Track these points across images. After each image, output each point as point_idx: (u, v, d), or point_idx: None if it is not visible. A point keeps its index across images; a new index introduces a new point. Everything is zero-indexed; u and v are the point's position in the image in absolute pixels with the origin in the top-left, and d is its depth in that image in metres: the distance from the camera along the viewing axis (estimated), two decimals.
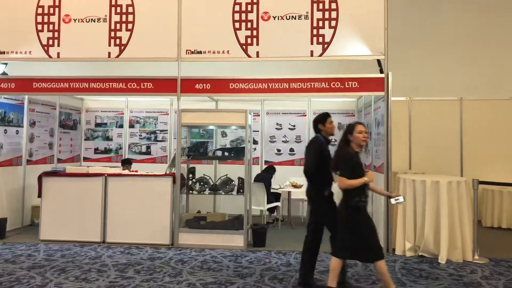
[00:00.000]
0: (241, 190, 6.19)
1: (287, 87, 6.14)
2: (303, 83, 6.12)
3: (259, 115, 9.03)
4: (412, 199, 5.69)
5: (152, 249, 5.93)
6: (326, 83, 6.09)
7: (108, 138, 9.26)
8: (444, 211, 5.39)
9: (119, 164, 8.11)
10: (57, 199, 6.26)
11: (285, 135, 8.95)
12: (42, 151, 7.78)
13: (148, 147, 9.16)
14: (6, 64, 6.74)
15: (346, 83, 6.06)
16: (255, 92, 6.20)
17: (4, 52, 6.43)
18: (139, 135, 9.20)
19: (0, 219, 6.52)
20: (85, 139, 9.27)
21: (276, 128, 8.99)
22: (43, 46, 6.38)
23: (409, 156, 8.37)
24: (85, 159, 9.23)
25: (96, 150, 9.26)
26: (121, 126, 9.23)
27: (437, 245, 5.47)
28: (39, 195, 6.32)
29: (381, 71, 6.14)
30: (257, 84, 6.18)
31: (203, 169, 7.28)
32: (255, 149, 8.99)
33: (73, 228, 6.22)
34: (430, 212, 5.50)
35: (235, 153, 6.44)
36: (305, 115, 8.91)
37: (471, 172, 7.92)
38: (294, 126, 8.94)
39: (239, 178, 6.29)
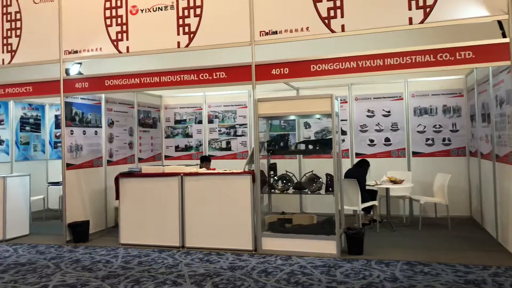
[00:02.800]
0: (330, 189, 5.32)
1: (381, 63, 5.12)
2: (401, 58, 5.05)
3: (346, 102, 8.04)
4: None
5: (233, 255, 5.33)
6: (431, 55, 4.96)
7: (188, 135, 8.93)
8: None
9: (197, 161, 7.70)
10: (134, 201, 5.94)
11: (378, 123, 7.85)
12: (122, 151, 7.62)
13: (228, 143, 8.65)
14: (80, 63, 6.60)
15: (457, 53, 4.87)
16: (342, 73, 5.27)
17: (77, 51, 6.25)
18: (219, 131, 8.73)
19: (83, 222, 6.40)
20: (165, 137, 9.05)
21: (368, 116, 7.93)
22: (112, 41, 6.08)
23: None
24: (167, 157, 9.01)
25: (177, 148, 8.99)
26: (200, 122, 8.84)
27: None
28: (117, 197, 6.06)
29: (504, 35, 4.85)
30: (343, 63, 5.25)
31: (285, 165, 6.53)
32: (343, 140, 8.03)
33: (152, 232, 5.86)
34: None
35: (321, 145, 5.58)
36: (402, 99, 7.73)
37: None
38: (389, 112, 7.80)
39: (327, 175, 5.43)
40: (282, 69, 5.48)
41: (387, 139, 7.79)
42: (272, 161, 5.96)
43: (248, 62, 5.58)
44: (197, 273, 4.69)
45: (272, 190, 5.72)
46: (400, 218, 7.00)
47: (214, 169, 6.80)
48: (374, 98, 7.92)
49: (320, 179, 5.49)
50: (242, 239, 5.49)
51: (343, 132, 8.04)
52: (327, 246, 5.19)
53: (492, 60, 4.80)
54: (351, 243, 5.20)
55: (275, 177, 5.73)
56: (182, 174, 5.76)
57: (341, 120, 8.04)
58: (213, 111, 8.79)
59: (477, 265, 4.58)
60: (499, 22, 4.89)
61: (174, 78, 5.88)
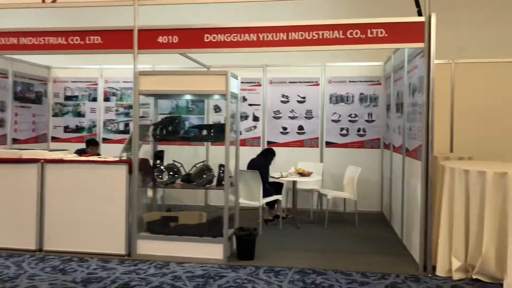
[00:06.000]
0: (223, 182, 4.53)
1: (284, 38, 4.35)
2: (306, 33, 4.31)
3: (260, 85, 7.29)
4: (463, 198, 3.91)
5: (100, 261, 4.37)
6: (340, 32, 4.27)
7: (80, 114, 7.71)
8: None
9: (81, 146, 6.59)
10: None
11: (292, 110, 7.19)
12: None
13: (127, 125, 7.57)
14: None
15: (368, 31, 4.22)
16: (240, 46, 4.44)
17: None
18: (116, 110, 7.61)
19: None
20: (53, 115, 7.75)
21: (282, 101, 7.24)
22: None
23: (450, 135, 6.46)
24: (54, 139, 7.74)
25: (67, 129, 7.74)
26: (94, 100, 7.65)
27: (502, 266, 3.70)
28: None
29: (420, 13, 4.29)
30: (242, 35, 4.42)
31: (181, 154, 5.65)
32: (255, 127, 7.30)
33: (4, 232, 4.71)
34: (491, 218, 3.72)
35: (216, 131, 4.75)
36: (318, 84, 7.11)
37: None
38: (304, 98, 7.16)
39: (221, 166, 4.62)
40: (170, 37, 4.55)
41: (300, 127, 7.15)
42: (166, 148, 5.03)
43: (129, 26, 4.57)
44: None
45: (158, 183, 4.81)
46: (308, 213, 6.41)
47: (99, 155, 5.75)
48: (289, 82, 7.23)
49: (212, 171, 4.67)
50: (113, 241, 4.54)
51: (256, 118, 7.30)
52: (214, 250, 4.40)
53: (406, 41, 4.21)
54: (241, 246, 4.46)
55: (161, 168, 4.82)
56: (42, 161, 4.66)
57: (253, 105, 7.34)
58: (111, 87, 7.63)
59: (375, 273, 4.03)
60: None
61: (36, 41, 4.71)
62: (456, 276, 3.89)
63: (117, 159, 4.71)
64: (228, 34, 4.43)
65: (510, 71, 6.20)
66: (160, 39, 4.55)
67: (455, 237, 3.94)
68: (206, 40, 4.48)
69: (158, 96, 5.09)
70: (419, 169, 4.19)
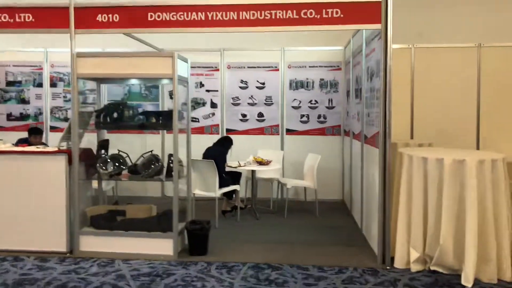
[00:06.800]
0: (173, 173, 4.22)
1: (235, 17, 4.04)
2: (258, 12, 4.02)
3: (218, 70, 6.96)
4: (421, 187, 3.77)
5: (37, 260, 4.00)
6: (294, 11, 4.00)
7: (24, 101, 7.16)
8: (471, 205, 3.49)
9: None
10: None
11: (252, 96, 6.91)
12: None
13: None
14: None
15: (323, 11, 3.98)
16: (187, 25, 4.10)
17: None
18: (64, 97, 7.10)
19: None
20: None
21: (241, 87, 6.94)
22: None
23: (410, 121, 6.38)
24: None
25: (9, 116, 7.18)
26: (40, 85, 7.11)
27: (459, 256, 3.60)
28: None
29: None
30: (189, 13, 4.07)
31: (134, 143, 5.31)
32: (213, 114, 6.99)
33: None
34: (449, 207, 3.60)
35: (164, 118, 4.42)
36: (278, 69, 6.85)
37: (492, 144, 5.99)
38: (263, 84, 6.89)
39: (170, 156, 4.31)
40: (111, 15, 4.15)
41: (260, 114, 6.90)
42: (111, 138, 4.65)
43: (65, 3, 4.14)
44: None
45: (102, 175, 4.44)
46: (267, 203, 6.20)
47: (32, 145, 5.29)
48: (248, 67, 6.93)
49: (160, 161, 4.35)
50: (53, 238, 4.17)
51: (213, 105, 6.99)
52: (163, 246, 4.11)
53: (362, 21, 4.00)
54: (193, 241, 4.19)
55: (107, 158, 4.45)
56: None
57: (211, 91, 7.01)
58: (57, 72, 7.10)
59: (333, 266, 3.86)
60: None
61: None
62: (414, 268, 3.77)
63: (55, 149, 4.31)
64: (174, 13, 4.08)
65: (470, 57, 6.15)
66: (100, 18, 4.15)
67: (413, 227, 3.81)
68: (150, 19, 4.11)
69: (101, 80, 4.68)
70: (377, 157, 4.03)
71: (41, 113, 7.12)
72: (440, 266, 3.70)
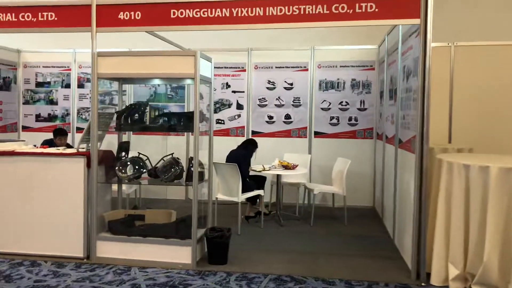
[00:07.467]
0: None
1: (261, 13, 3.82)
2: (286, 8, 3.78)
3: (245, 70, 6.76)
4: (462, 197, 3.41)
5: (54, 265, 3.89)
6: (325, 6, 3.73)
7: (52, 102, 7.18)
8: None
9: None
10: None
11: (279, 97, 6.67)
12: None
13: None
14: None
15: (357, 5, 3.69)
16: (212, 23, 3.90)
17: None
18: (90, 98, 7.06)
19: None
20: (23, 103, 7.23)
21: (268, 88, 6.71)
22: None
23: (448, 124, 5.94)
24: (24, 128, 7.23)
25: (38, 117, 7.22)
26: (68, 86, 7.12)
27: (506, 276, 3.23)
28: None
29: None
30: (213, 10, 3.88)
31: (158, 145, 5.17)
32: (239, 115, 6.79)
33: None
34: (495, 219, 3.23)
35: (185, 121, 4.23)
36: (307, 69, 6.57)
37: None
38: (291, 84, 6.63)
39: (191, 159, 4.12)
40: (133, 13, 4.00)
41: (287, 116, 6.64)
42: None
43: (87, 1, 4.03)
44: None
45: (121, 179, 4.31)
46: (293, 209, 5.92)
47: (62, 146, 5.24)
48: (276, 67, 6.70)
49: (180, 165, 4.17)
50: (70, 243, 4.06)
51: (239, 106, 6.79)
52: (181, 254, 3.92)
53: (399, 16, 3.68)
54: (212, 249, 3.98)
55: (126, 161, 4.31)
56: None
57: (237, 92, 6.81)
58: (85, 72, 7.11)
59: (362, 281, 3.55)
60: None
61: None
62: (453, 286, 3.42)
63: (74, 151, 4.20)
64: (198, 9, 3.89)
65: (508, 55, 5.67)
66: (122, 16, 4.01)
67: (452, 241, 3.46)
68: (172, 16, 3.94)
69: (123, 80, 4.56)
70: (413, 163, 3.70)
71: (68, 114, 7.12)
72: (483, 285, 3.33)
